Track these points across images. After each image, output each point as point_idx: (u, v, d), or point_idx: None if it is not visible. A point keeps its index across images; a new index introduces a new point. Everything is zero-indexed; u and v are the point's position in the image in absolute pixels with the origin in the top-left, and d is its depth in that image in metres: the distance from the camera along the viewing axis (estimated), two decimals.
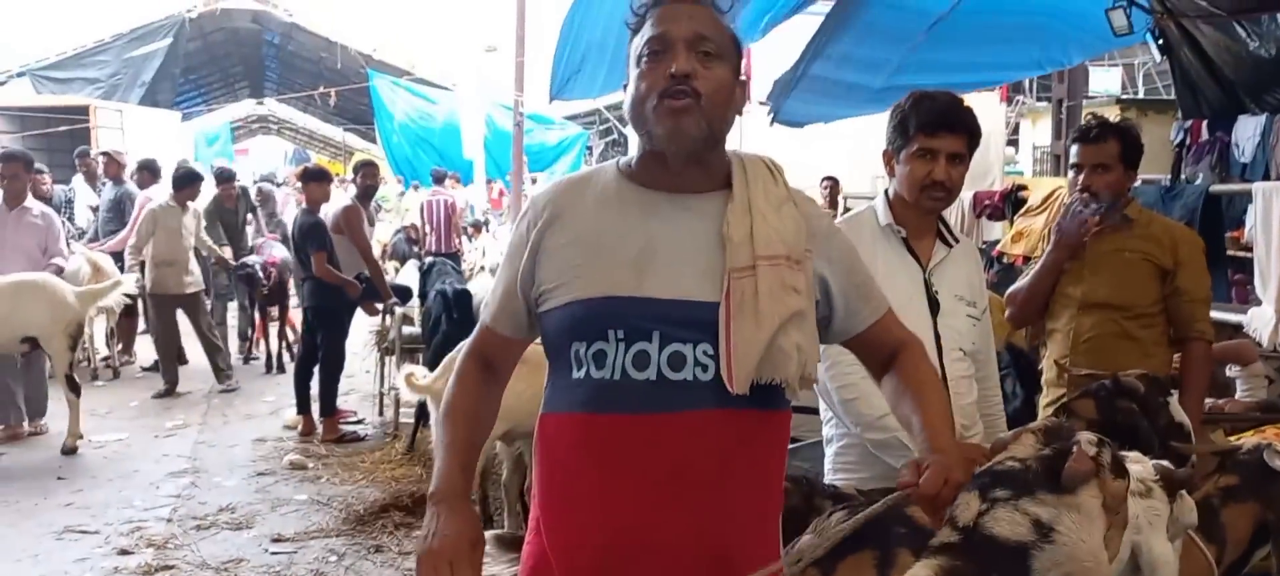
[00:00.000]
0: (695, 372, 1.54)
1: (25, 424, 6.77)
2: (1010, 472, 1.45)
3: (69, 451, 6.31)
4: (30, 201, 6.72)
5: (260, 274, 8.73)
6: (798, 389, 1.58)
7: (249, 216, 10.09)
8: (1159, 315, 3.16)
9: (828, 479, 2.50)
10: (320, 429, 6.86)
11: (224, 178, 9.54)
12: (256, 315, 9.54)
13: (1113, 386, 2.41)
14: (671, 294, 1.56)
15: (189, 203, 8.26)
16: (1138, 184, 4.79)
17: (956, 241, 2.56)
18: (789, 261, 1.59)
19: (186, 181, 8.38)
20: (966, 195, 7.41)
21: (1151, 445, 2.24)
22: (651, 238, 1.59)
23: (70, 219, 9.43)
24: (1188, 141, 7.68)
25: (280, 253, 9.09)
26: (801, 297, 1.59)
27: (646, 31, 1.63)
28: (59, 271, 6.64)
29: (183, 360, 8.56)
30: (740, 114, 1.69)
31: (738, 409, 1.55)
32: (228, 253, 9.11)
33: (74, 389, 6.35)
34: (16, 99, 14.63)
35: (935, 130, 2.41)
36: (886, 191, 2.57)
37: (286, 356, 9.20)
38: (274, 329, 9.43)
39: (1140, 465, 1.69)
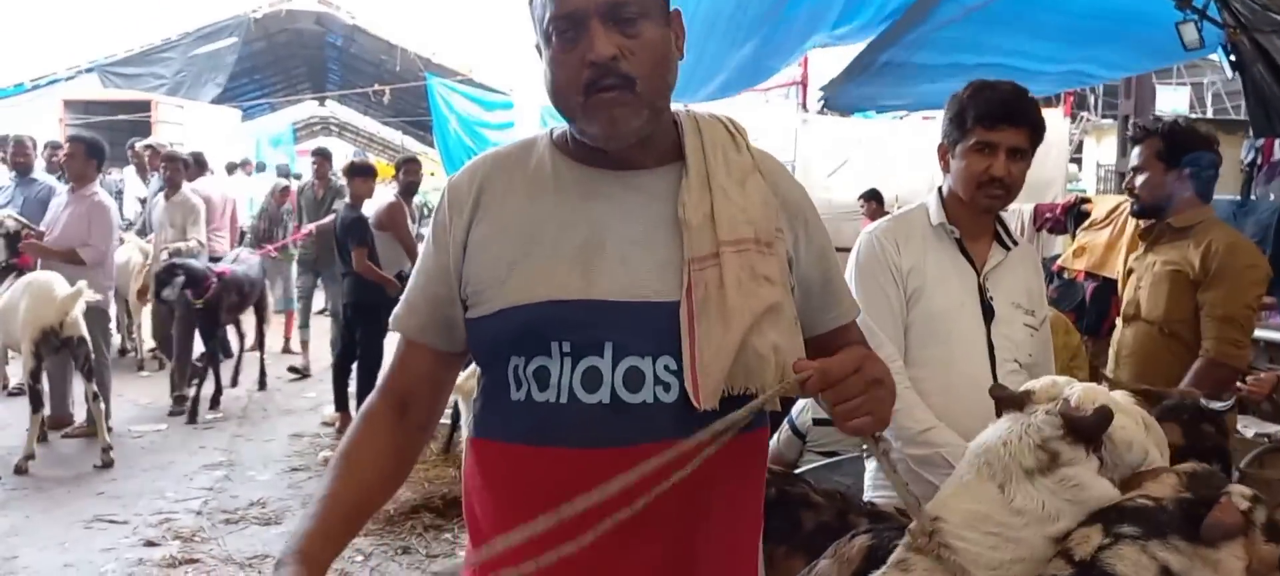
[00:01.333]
0: (656, 393, 1.28)
1: (78, 415, 6.59)
2: (1142, 511, 1.26)
3: (106, 465, 5.83)
4: (94, 187, 6.55)
5: (182, 282, 6.80)
6: (775, 398, 1.32)
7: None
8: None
9: (867, 496, 2.32)
10: None
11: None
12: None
13: (1197, 410, 2.21)
14: (625, 294, 1.30)
15: (177, 192, 7.53)
16: None
17: (1015, 243, 2.36)
18: (758, 245, 1.34)
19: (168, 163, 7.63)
20: (1027, 207, 7.15)
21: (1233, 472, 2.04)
22: (596, 225, 1.33)
23: (119, 210, 9.51)
24: (1259, 161, 7.36)
25: (243, 270, 7.74)
26: (776, 287, 1.33)
27: (548, 2, 1.31)
28: (98, 260, 6.38)
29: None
30: (681, 56, 1.38)
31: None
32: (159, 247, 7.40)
33: (33, 401, 5.73)
34: (83, 93, 14.90)
35: (995, 122, 2.21)
36: (940, 189, 2.38)
37: (238, 382, 7.95)
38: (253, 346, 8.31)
39: (1030, 422, 1.42)
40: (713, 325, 1.28)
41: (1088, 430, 1.36)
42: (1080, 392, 1.45)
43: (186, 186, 7.70)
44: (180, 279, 6.77)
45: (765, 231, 1.35)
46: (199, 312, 7.05)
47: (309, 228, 8.51)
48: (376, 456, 1.40)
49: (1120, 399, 1.45)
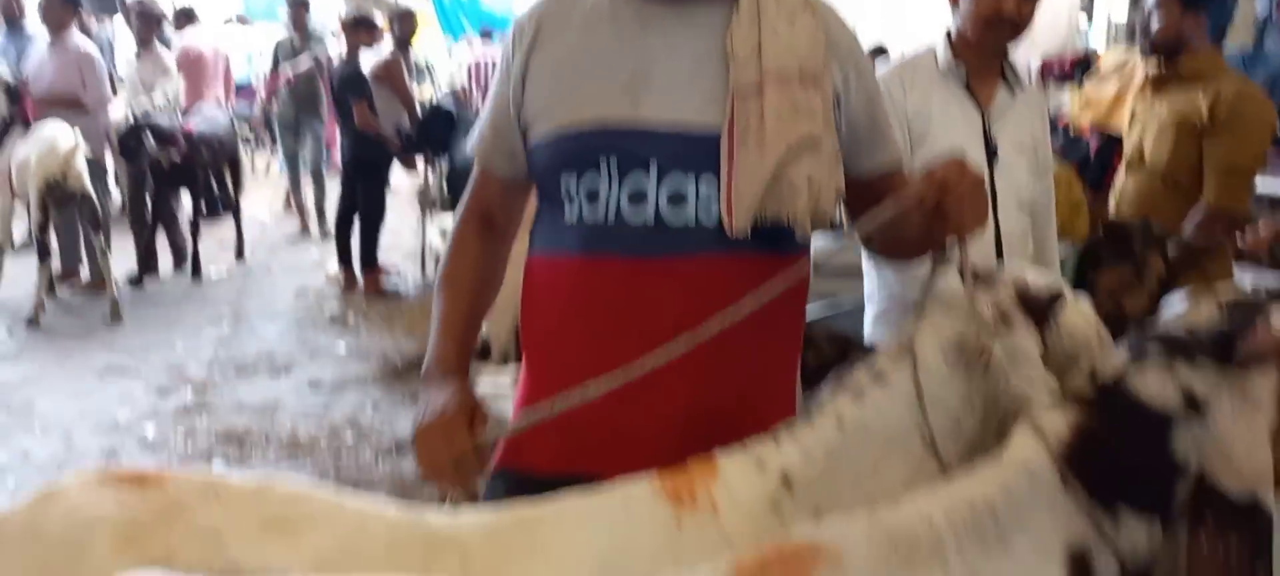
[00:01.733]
0: (697, 213, 1.36)
1: (83, 270, 6.68)
2: (1172, 336, 1.22)
3: (115, 318, 5.89)
4: (73, 35, 6.46)
5: (151, 141, 6.33)
6: (808, 227, 1.37)
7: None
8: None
9: (867, 339, 2.36)
10: (361, 282, 6.85)
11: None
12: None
13: (1182, 246, 2.24)
14: (670, 120, 1.36)
15: (148, 49, 7.17)
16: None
17: (1022, 88, 2.35)
18: (802, 79, 1.36)
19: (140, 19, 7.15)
20: (1034, 61, 7.05)
21: None
22: (647, 55, 1.39)
23: (112, 65, 9.33)
24: (1272, 15, 7.21)
25: (210, 128, 7.10)
26: (816, 121, 1.36)
27: None
28: (99, 104, 6.38)
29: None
30: None
31: (745, 254, 1.36)
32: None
33: (41, 252, 5.75)
34: None
35: None
36: (948, 31, 2.35)
37: (226, 260, 7.44)
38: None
39: (991, 289, 1.35)
40: (749, 153, 1.33)
41: (1038, 306, 1.35)
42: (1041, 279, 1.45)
43: (159, 44, 7.44)
44: (149, 139, 6.34)
45: (811, 67, 1.38)
46: (174, 169, 6.65)
47: (286, 73, 8.31)
48: (473, 270, 1.56)
49: (1083, 306, 1.44)
